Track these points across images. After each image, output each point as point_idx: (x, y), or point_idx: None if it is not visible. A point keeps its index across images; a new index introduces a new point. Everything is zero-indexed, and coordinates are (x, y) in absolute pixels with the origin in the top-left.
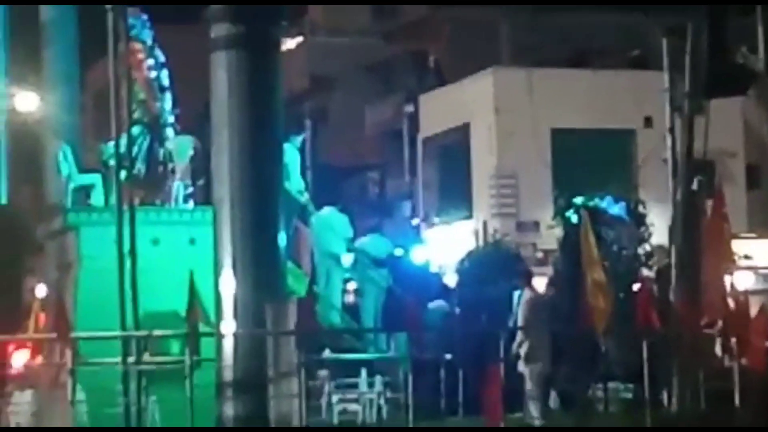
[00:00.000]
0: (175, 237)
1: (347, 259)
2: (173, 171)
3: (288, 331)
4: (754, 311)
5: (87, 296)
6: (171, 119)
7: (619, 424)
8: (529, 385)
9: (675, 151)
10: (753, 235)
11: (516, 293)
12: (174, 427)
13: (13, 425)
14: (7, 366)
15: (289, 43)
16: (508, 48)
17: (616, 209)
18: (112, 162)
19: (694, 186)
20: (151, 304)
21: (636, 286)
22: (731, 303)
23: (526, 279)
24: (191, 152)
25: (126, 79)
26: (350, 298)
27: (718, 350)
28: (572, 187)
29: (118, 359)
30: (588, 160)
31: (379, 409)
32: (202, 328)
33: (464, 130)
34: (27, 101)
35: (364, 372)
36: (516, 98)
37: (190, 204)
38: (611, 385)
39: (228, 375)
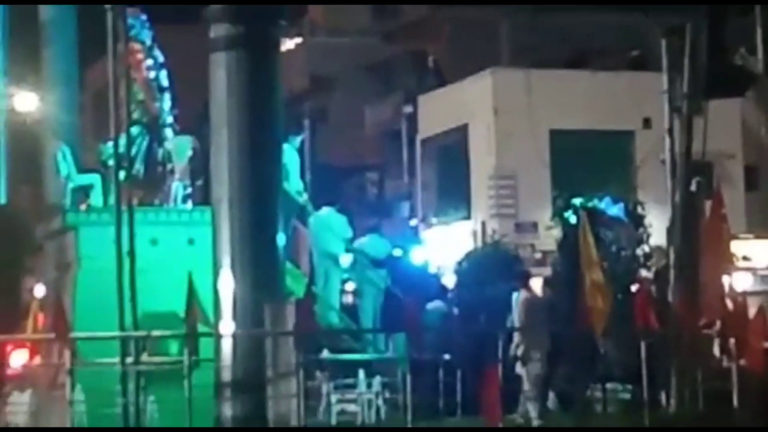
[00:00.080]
0: (174, 237)
1: (346, 259)
2: (172, 171)
3: (286, 331)
4: (752, 312)
5: (86, 296)
6: (170, 119)
7: (618, 425)
8: (526, 385)
9: (674, 152)
10: (751, 236)
11: (514, 294)
12: (173, 427)
13: (11, 425)
14: (6, 366)
15: (289, 43)
16: (508, 48)
17: (615, 210)
18: (111, 162)
19: (693, 187)
20: (150, 305)
21: (634, 287)
22: (730, 304)
23: (523, 280)
24: (190, 152)
25: (125, 80)
26: (349, 299)
27: (716, 351)
28: (571, 188)
29: (117, 359)
30: (587, 161)
31: (378, 409)
32: (201, 328)
33: (463, 130)
34: (26, 101)
35: (362, 372)
36: (515, 99)
37: (189, 204)
38: (610, 385)
39: (226, 375)
